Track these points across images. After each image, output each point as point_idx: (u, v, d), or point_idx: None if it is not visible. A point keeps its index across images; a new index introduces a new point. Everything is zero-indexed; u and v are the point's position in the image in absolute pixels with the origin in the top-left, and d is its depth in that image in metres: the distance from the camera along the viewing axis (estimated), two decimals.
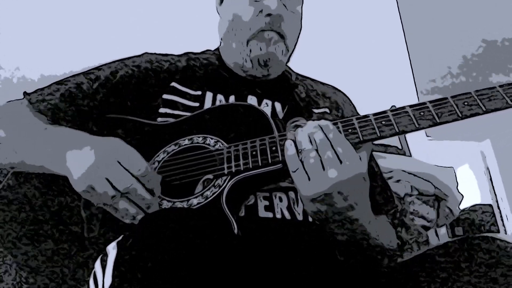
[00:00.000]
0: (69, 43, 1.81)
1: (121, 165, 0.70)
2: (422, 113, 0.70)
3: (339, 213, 0.69)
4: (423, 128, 0.70)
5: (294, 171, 0.68)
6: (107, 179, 0.69)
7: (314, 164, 0.67)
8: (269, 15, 0.90)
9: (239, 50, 0.94)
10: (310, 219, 0.82)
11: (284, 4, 0.93)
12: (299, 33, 0.99)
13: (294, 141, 0.70)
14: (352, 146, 0.69)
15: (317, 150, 0.67)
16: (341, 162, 0.66)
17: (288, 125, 0.81)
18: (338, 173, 0.65)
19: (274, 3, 0.89)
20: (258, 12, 0.91)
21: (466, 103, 0.69)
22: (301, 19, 0.99)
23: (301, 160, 0.68)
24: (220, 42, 1.04)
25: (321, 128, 0.69)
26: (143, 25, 1.97)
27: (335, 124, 0.73)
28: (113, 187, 0.69)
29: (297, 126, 0.74)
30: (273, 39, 0.92)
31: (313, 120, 0.72)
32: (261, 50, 0.92)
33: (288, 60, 1.00)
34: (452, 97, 0.71)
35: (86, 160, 0.71)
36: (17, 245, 0.74)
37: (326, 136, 0.68)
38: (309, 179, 0.67)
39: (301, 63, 1.04)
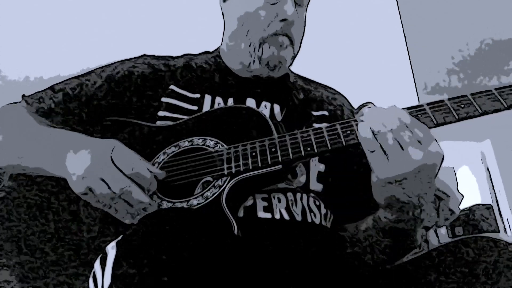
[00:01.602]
0: (68, 46, 1.81)
1: (115, 165, 0.70)
2: (419, 115, 0.71)
3: (411, 197, 0.69)
4: None
5: (372, 152, 0.68)
6: (103, 180, 0.69)
7: (393, 144, 0.66)
8: (284, 20, 0.90)
9: (248, 50, 0.93)
10: (309, 220, 0.82)
11: (296, 11, 0.93)
12: (302, 39, 0.99)
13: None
14: (428, 129, 0.69)
15: (393, 133, 0.67)
16: (424, 145, 0.66)
17: (355, 110, 0.81)
18: (424, 156, 0.65)
19: (291, 9, 0.89)
20: (273, 15, 0.91)
21: (462, 106, 0.70)
22: (305, 26, 0.99)
23: (378, 142, 0.67)
24: (222, 41, 1.04)
25: (395, 112, 0.69)
26: (142, 27, 1.97)
27: (333, 125, 0.74)
28: (109, 188, 0.69)
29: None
30: (285, 44, 0.92)
31: (313, 122, 0.72)
32: (273, 54, 0.92)
33: (291, 64, 1.00)
34: (449, 99, 0.71)
35: (83, 162, 0.71)
36: (17, 245, 0.74)
37: (401, 120, 0.68)
38: (388, 160, 0.67)
39: (301, 63, 1.04)
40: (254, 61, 0.93)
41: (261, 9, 0.92)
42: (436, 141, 0.68)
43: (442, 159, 0.68)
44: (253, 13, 0.92)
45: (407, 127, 0.67)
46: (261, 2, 0.92)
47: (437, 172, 0.69)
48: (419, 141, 0.66)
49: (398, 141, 0.66)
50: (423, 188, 0.68)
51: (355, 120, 0.74)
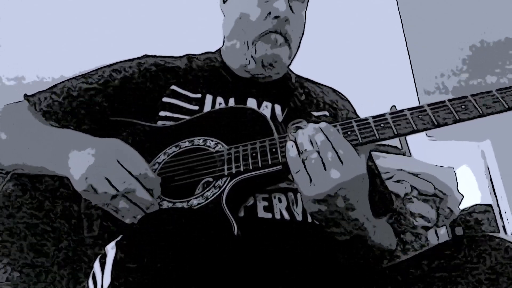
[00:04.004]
0: (69, 46, 1.81)
1: (121, 165, 0.71)
2: (420, 116, 0.71)
3: (339, 213, 0.69)
4: (421, 131, 0.71)
5: (296, 172, 0.69)
6: (107, 179, 0.69)
7: (315, 165, 0.67)
8: (276, 17, 0.90)
9: (243, 50, 0.94)
10: (310, 220, 0.82)
11: (291, 8, 0.93)
12: (302, 38, 0.99)
13: (295, 143, 0.71)
14: (352, 147, 0.69)
15: (318, 152, 0.68)
16: (342, 163, 0.67)
17: (289, 126, 0.82)
18: (341, 174, 0.66)
19: (283, 6, 0.89)
20: (266, 14, 0.91)
21: (463, 107, 0.70)
22: (305, 24, 0.99)
23: (302, 162, 0.69)
24: (223, 42, 1.04)
25: (322, 130, 0.70)
26: (143, 27, 1.97)
27: (334, 126, 0.73)
28: (113, 187, 0.69)
29: (298, 128, 0.75)
30: (279, 42, 0.92)
31: (313, 122, 0.73)
32: (266, 51, 0.92)
33: (290, 63, 1.00)
34: (449, 100, 0.71)
35: (86, 161, 0.71)
36: (17, 244, 0.74)
37: (327, 137, 0.69)
38: (310, 180, 0.68)
39: (301, 63, 1.05)
40: (249, 61, 0.94)
41: (253, 8, 0.92)
42: (360, 158, 0.69)
43: (362, 176, 0.68)
44: (246, 13, 0.92)
45: (331, 145, 0.68)
46: (254, 1, 0.92)
47: (362, 187, 0.69)
48: (340, 161, 0.67)
49: (322, 161, 0.67)
50: (351, 201, 0.68)
51: (357, 120, 0.74)
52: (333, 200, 0.67)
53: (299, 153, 0.69)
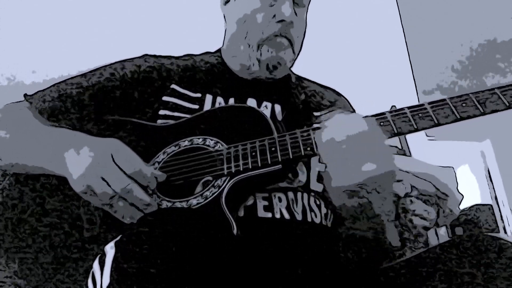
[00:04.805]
0: (69, 45, 1.81)
1: (116, 165, 0.71)
2: (420, 115, 0.71)
3: (365, 207, 0.70)
4: (421, 129, 0.71)
5: (328, 161, 0.69)
6: (104, 179, 0.69)
7: (348, 155, 0.67)
8: (281, 21, 0.90)
9: (247, 52, 0.94)
10: (309, 219, 0.82)
11: (295, 12, 0.93)
12: (303, 40, 0.99)
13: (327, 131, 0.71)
14: (386, 141, 0.70)
15: (351, 142, 0.68)
16: (375, 156, 0.67)
17: (318, 115, 0.81)
18: (376, 166, 0.66)
19: (288, 10, 0.89)
20: (271, 17, 0.91)
21: (464, 105, 0.70)
22: (306, 26, 0.99)
23: (334, 151, 0.69)
24: (223, 43, 1.04)
25: (353, 121, 0.70)
26: (143, 26, 1.97)
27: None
28: (110, 187, 0.69)
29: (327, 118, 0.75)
30: (284, 45, 0.92)
31: (313, 122, 0.73)
32: (272, 54, 0.92)
33: (292, 65, 1.01)
34: (450, 98, 0.71)
35: (84, 161, 0.71)
36: (16, 245, 0.74)
37: (360, 129, 0.69)
38: (342, 170, 0.68)
39: (302, 63, 1.05)
40: (253, 63, 0.94)
41: (258, 11, 0.92)
42: (392, 152, 0.70)
43: (395, 171, 0.69)
44: (251, 16, 0.93)
45: (365, 136, 0.68)
46: (258, 4, 0.92)
47: (392, 182, 0.70)
48: (375, 153, 0.67)
49: (354, 151, 0.67)
50: (378, 196, 0.69)
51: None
52: (362, 193, 0.67)
53: (331, 142, 0.69)
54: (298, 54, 0.99)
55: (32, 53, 1.78)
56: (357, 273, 0.77)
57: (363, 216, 0.72)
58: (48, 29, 1.82)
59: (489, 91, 0.71)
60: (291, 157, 0.75)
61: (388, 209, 0.72)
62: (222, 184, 0.74)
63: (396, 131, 0.71)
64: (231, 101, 0.94)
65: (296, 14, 0.93)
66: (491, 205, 2.93)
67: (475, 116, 0.70)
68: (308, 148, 0.75)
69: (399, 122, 0.72)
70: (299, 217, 0.81)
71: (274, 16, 0.91)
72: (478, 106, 0.69)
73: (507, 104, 0.69)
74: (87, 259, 0.70)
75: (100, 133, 0.85)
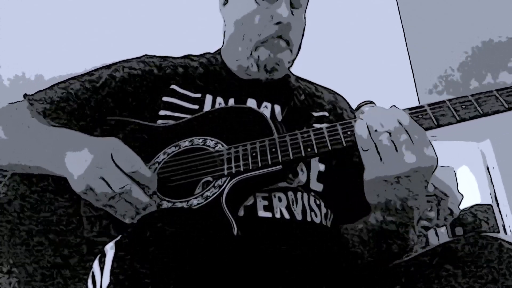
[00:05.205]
0: (69, 46, 1.81)
1: (116, 164, 0.71)
2: (420, 117, 0.71)
3: (402, 199, 0.70)
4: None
5: (365, 150, 0.69)
6: (103, 179, 0.69)
7: (387, 145, 0.67)
8: (279, 23, 0.90)
9: (245, 54, 0.94)
10: (309, 219, 0.82)
11: (292, 13, 0.93)
12: (302, 40, 0.99)
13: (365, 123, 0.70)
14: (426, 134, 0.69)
15: (390, 133, 0.68)
16: (418, 149, 0.67)
17: (357, 107, 0.81)
18: (417, 159, 0.66)
19: (285, 12, 0.89)
20: (268, 19, 0.91)
21: (463, 106, 0.70)
22: (304, 27, 0.99)
23: (373, 141, 0.69)
24: (223, 44, 1.04)
25: (395, 113, 0.70)
26: (143, 26, 1.97)
27: (333, 126, 0.74)
28: (110, 187, 0.69)
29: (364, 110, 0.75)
30: (282, 47, 0.92)
31: (313, 122, 0.73)
32: (269, 56, 0.92)
33: (291, 66, 1.00)
34: (450, 100, 0.72)
35: (84, 161, 0.71)
36: (16, 245, 0.74)
37: (399, 121, 0.69)
38: (381, 159, 0.68)
39: (301, 63, 1.05)
40: (252, 65, 0.94)
41: (256, 13, 0.92)
42: (432, 145, 0.69)
43: (437, 165, 0.69)
44: (248, 17, 0.92)
45: (404, 129, 0.68)
46: (255, 5, 0.92)
47: (430, 177, 0.69)
48: (414, 144, 0.67)
49: (393, 142, 0.67)
50: (415, 190, 0.69)
51: (356, 121, 0.74)
52: (401, 185, 0.67)
53: (370, 132, 0.69)
54: (297, 55, 0.99)
55: (32, 53, 1.78)
56: (362, 271, 0.77)
57: (398, 209, 0.72)
58: (48, 29, 1.82)
59: (488, 92, 0.71)
60: (291, 158, 0.75)
61: (420, 204, 0.72)
62: (223, 185, 0.74)
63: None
64: (231, 101, 0.94)
65: (293, 15, 0.93)
66: (491, 205, 2.94)
67: (475, 117, 0.70)
68: (309, 149, 0.75)
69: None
70: (298, 216, 0.81)
71: (272, 18, 0.91)
72: (478, 108, 0.70)
73: (507, 106, 0.69)
74: (87, 259, 0.70)
75: (100, 134, 0.86)
